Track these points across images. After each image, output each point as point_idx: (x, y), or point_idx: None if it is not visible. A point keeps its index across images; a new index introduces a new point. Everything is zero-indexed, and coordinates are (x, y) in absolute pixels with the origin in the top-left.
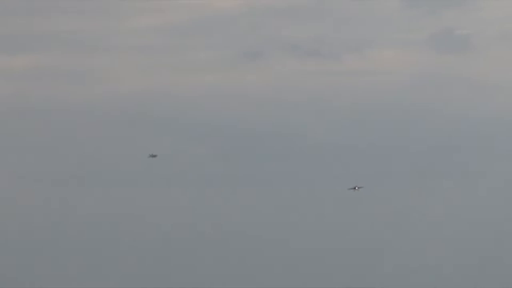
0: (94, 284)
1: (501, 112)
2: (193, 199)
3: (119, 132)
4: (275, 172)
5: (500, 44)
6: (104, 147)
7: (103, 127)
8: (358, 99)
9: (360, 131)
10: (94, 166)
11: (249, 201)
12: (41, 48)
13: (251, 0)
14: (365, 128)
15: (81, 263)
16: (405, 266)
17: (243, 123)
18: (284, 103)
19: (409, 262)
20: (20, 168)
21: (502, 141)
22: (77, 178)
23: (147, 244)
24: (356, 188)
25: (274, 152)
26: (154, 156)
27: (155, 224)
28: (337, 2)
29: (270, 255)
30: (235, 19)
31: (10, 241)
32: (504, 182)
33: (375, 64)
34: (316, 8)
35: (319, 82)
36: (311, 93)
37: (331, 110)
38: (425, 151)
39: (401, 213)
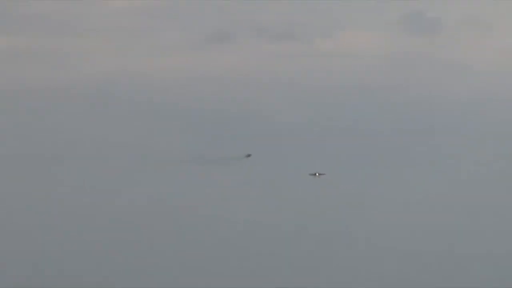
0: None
1: (471, 93)
2: (159, 179)
3: (89, 113)
4: (245, 152)
5: (469, 27)
6: (73, 128)
7: (75, 107)
8: (330, 81)
9: (331, 113)
10: (66, 146)
11: (216, 181)
12: (13, 30)
13: None
14: (337, 110)
15: (54, 239)
16: (369, 252)
17: (213, 104)
18: (255, 86)
19: (372, 248)
20: None
21: (472, 122)
22: (47, 158)
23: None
24: (317, 174)
25: (244, 134)
26: (249, 156)
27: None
28: None
29: (231, 238)
30: (207, 1)
31: None
32: (475, 164)
33: (347, 47)
34: None
35: (291, 64)
36: (283, 76)
37: (303, 92)
38: (397, 133)
39: (370, 196)
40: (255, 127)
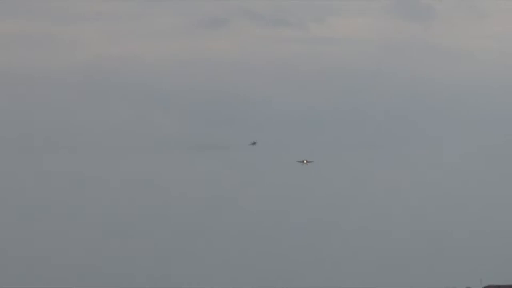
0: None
1: (465, 78)
2: (154, 163)
3: (85, 98)
4: (239, 137)
5: (464, 12)
6: (69, 114)
7: (68, 92)
8: (324, 66)
9: (325, 97)
10: (59, 131)
11: (212, 165)
12: (5, 14)
13: None
14: (330, 95)
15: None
16: (361, 234)
17: (208, 89)
18: (249, 71)
19: (365, 231)
20: None
21: (465, 107)
22: (40, 143)
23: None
24: (305, 162)
25: (239, 118)
26: (254, 143)
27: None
28: None
29: (223, 220)
30: None
31: None
32: (465, 147)
33: (341, 32)
34: None
35: (284, 49)
36: (276, 61)
37: (297, 77)
38: (390, 117)
39: (364, 178)
40: (251, 113)
